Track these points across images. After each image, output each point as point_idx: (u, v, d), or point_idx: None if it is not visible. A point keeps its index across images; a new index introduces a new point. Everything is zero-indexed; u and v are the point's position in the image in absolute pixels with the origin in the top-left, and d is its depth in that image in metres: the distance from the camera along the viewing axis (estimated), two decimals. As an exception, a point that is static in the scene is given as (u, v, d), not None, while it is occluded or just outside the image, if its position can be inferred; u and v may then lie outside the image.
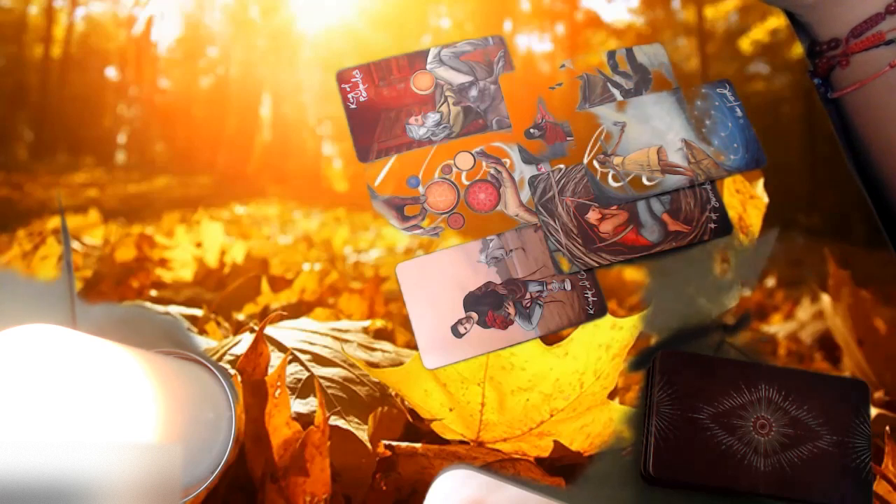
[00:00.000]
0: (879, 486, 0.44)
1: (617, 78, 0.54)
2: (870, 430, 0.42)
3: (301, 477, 0.43)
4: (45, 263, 0.52)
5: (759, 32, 0.62)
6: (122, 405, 0.31)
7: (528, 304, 0.48)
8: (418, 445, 0.45)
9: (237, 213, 0.60)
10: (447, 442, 0.47)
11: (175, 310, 0.52)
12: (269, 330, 0.50)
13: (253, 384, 0.45)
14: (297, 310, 0.54)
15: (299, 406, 0.46)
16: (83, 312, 0.49)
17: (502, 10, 0.63)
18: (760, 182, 0.52)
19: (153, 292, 0.55)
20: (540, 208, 0.50)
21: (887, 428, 0.45)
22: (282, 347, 0.49)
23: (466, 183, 0.51)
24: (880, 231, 0.52)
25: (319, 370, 0.49)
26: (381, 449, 0.45)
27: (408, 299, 0.48)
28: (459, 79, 0.53)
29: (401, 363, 0.49)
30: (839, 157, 0.54)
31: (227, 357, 0.48)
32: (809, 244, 0.55)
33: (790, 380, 0.43)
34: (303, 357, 0.49)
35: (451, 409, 0.47)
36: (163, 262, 0.57)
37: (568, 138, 0.52)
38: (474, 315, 0.48)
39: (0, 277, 0.51)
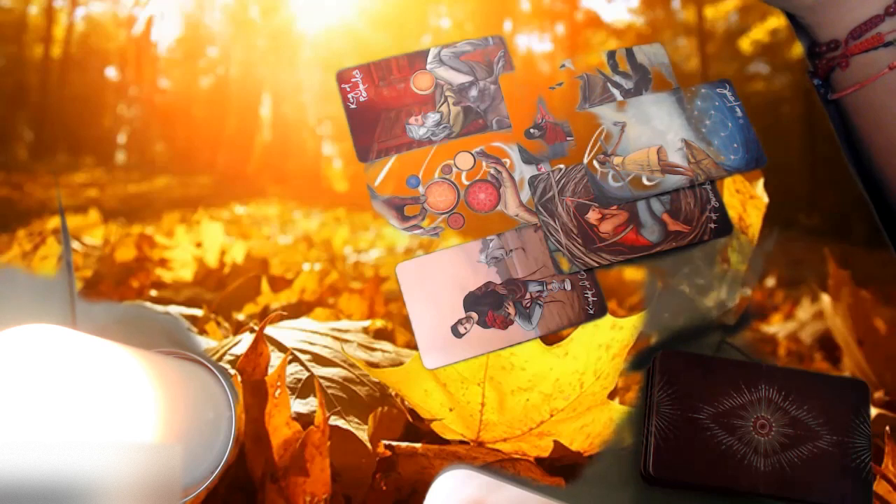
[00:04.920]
0: (879, 486, 0.44)
1: (617, 78, 0.54)
2: (870, 430, 0.42)
3: (301, 477, 0.43)
4: (45, 263, 0.52)
5: (759, 32, 0.62)
6: (122, 405, 0.31)
7: (528, 304, 0.48)
8: (418, 445, 0.45)
9: (237, 213, 0.60)
10: (447, 442, 0.47)
11: (175, 310, 0.52)
12: (269, 330, 0.50)
13: (253, 384, 0.45)
14: (297, 310, 0.54)
15: (299, 406, 0.46)
16: (83, 312, 0.49)
17: (502, 10, 0.63)
18: (760, 182, 0.52)
19: (153, 292, 0.55)
20: (540, 208, 0.50)
21: (887, 428, 0.45)
22: (282, 347, 0.49)
23: (466, 183, 0.51)
24: (880, 231, 0.52)
25: (319, 370, 0.49)
26: (381, 449, 0.45)
27: (408, 299, 0.48)
28: (459, 79, 0.53)
29: (401, 363, 0.49)
30: (839, 157, 0.54)
31: (227, 357, 0.48)
32: (809, 244, 0.55)
33: (790, 380, 0.43)
34: (303, 357, 0.49)
35: (451, 409, 0.47)
36: (163, 262, 0.57)
37: (568, 138, 0.52)
38: (474, 315, 0.48)
39: (0, 277, 0.51)
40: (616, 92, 0.54)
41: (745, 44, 0.63)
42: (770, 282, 0.54)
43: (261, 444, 0.44)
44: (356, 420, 0.46)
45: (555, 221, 0.50)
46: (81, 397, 0.29)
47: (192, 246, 0.58)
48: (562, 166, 0.51)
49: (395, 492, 0.44)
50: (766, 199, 0.52)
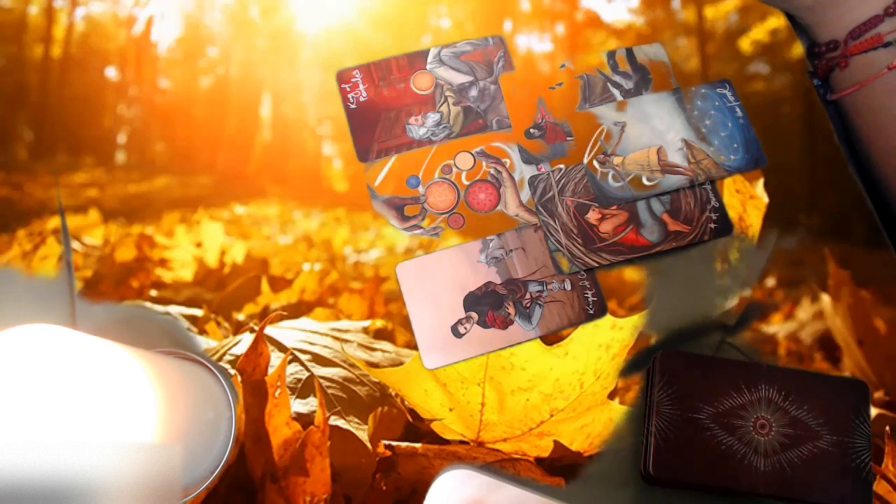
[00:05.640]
0: (879, 486, 0.44)
1: (617, 78, 0.54)
2: (870, 430, 0.42)
3: (301, 477, 0.43)
4: (45, 263, 0.52)
5: (759, 32, 0.62)
6: (122, 405, 0.31)
7: (528, 304, 0.48)
8: (418, 445, 0.45)
9: (237, 213, 0.60)
10: (447, 442, 0.47)
11: (175, 310, 0.52)
12: (269, 330, 0.50)
13: (253, 384, 0.45)
14: (297, 310, 0.54)
15: (299, 406, 0.46)
16: (83, 312, 0.49)
17: (502, 10, 0.63)
18: (760, 182, 0.52)
19: (153, 292, 0.55)
20: (540, 208, 0.50)
21: (887, 428, 0.45)
22: (282, 347, 0.49)
23: (466, 183, 0.51)
24: (880, 231, 0.52)
25: (319, 370, 0.49)
26: (381, 449, 0.45)
27: (408, 299, 0.48)
28: (459, 79, 0.53)
29: (401, 363, 0.49)
30: (839, 157, 0.54)
31: (227, 357, 0.48)
32: (809, 244, 0.55)
33: (790, 380, 0.43)
34: (303, 357, 0.49)
35: (451, 409, 0.47)
36: (163, 262, 0.57)
37: (568, 138, 0.52)
38: (474, 315, 0.48)
39: (0, 277, 0.51)
40: (616, 92, 0.54)
41: (745, 44, 0.63)
42: (770, 282, 0.54)
43: (261, 444, 0.44)
44: (356, 420, 0.46)
45: (555, 221, 0.50)
46: (81, 397, 0.29)
47: (192, 246, 0.58)
48: (562, 166, 0.51)
49: (395, 492, 0.44)
50: (766, 199, 0.52)
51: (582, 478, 0.45)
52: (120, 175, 0.61)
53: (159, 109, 0.62)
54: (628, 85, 0.54)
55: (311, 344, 0.50)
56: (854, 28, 0.48)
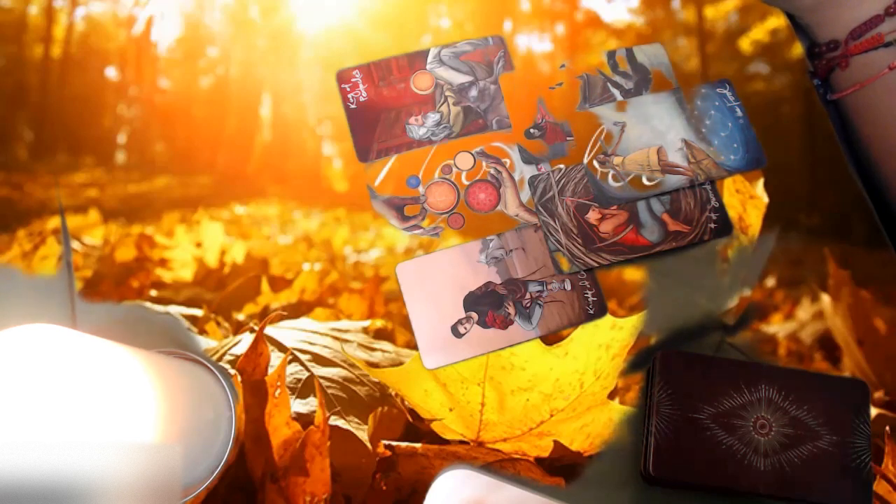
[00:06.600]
0: (879, 486, 0.44)
1: (617, 78, 0.54)
2: (870, 430, 0.42)
3: (301, 477, 0.43)
4: (45, 263, 0.52)
5: (759, 32, 0.62)
6: (122, 405, 0.31)
7: (528, 304, 0.48)
8: (418, 445, 0.45)
9: (237, 213, 0.60)
10: (447, 442, 0.47)
11: (175, 310, 0.52)
12: (269, 330, 0.50)
13: (253, 384, 0.45)
14: (297, 310, 0.54)
15: (299, 406, 0.46)
16: (83, 312, 0.49)
17: (502, 10, 0.63)
18: (760, 182, 0.52)
19: (153, 292, 0.55)
20: (540, 208, 0.50)
21: (887, 428, 0.45)
22: (282, 347, 0.49)
23: (466, 183, 0.51)
24: (880, 231, 0.52)
25: (319, 370, 0.49)
26: (381, 449, 0.45)
27: (408, 299, 0.48)
28: (459, 79, 0.53)
29: (401, 363, 0.49)
30: (839, 157, 0.54)
31: (227, 357, 0.48)
32: (809, 244, 0.55)
33: (790, 380, 0.43)
34: (303, 357, 0.49)
35: (451, 409, 0.47)
36: (163, 262, 0.57)
37: (568, 138, 0.52)
38: (474, 315, 0.48)
39: (0, 276, 0.51)
40: (616, 92, 0.54)
41: (745, 44, 0.63)
42: (770, 282, 0.53)
43: (261, 444, 0.44)
44: (356, 420, 0.46)
45: (555, 221, 0.50)
46: (81, 397, 0.29)
47: (192, 246, 0.58)
48: (562, 166, 0.51)
49: (395, 492, 0.44)
50: (766, 199, 0.52)
51: (582, 478, 0.45)
52: (120, 175, 0.61)
53: (159, 109, 0.62)
54: (628, 85, 0.54)
55: (311, 344, 0.50)
56: (854, 28, 0.48)
